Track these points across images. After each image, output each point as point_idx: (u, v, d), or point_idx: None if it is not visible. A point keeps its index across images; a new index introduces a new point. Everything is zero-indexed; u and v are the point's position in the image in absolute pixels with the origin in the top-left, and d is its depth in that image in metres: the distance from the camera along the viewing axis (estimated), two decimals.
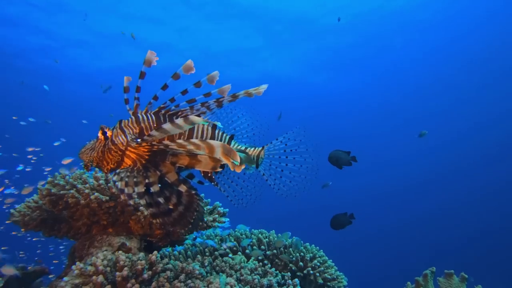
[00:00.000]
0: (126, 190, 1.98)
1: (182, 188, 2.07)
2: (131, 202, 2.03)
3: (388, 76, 27.07)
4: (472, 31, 22.89)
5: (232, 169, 1.83)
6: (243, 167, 1.85)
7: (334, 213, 5.15)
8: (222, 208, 3.55)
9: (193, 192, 2.17)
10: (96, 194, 3.04)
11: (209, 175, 2.40)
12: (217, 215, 3.47)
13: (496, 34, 22.83)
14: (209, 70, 1.89)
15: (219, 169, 1.97)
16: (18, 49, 20.34)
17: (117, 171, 2.09)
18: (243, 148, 2.50)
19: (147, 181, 2.04)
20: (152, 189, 2.04)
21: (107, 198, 3.09)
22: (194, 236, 4.00)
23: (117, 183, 2.01)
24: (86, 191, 3.06)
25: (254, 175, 2.53)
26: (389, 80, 27.66)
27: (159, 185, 2.06)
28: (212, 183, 2.40)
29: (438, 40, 23.69)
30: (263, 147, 2.53)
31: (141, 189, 2.01)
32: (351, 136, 32.15)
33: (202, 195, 3.66)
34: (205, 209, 3.57)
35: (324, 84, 27.23)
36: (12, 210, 3.15)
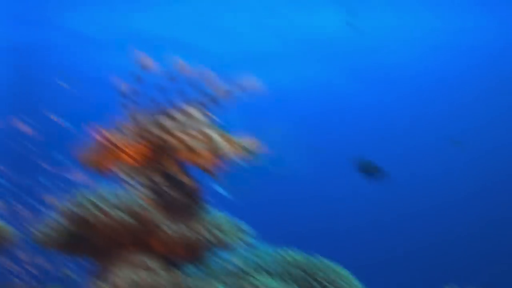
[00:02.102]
0: (126, 179, 2.05)
1: (184, 178, 2.14)
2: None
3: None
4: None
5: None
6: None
7: (365, 230, 4.99)
8: (245, 226, 3.46)
9: (196, 183, 2.22)
10: (118, 212, 3.01)
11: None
12: (240, 233, 3.38)
13: None
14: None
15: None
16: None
17: (117, 163, 2.16)
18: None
19: (147, 172, 2.12)
20: (153, 179, 2.11)
21: (129, 216, 3.06)
22: (225, 257, 3.93)
23: (119, 174, 2.09)
24: (108, 209, 3.04)
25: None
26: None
27: (161, 178, 2.14)
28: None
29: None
30: None
31: (141, 179, 2.08)
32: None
33: (225, 213, 3.58)
34: (229, 228, 3.48)
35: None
36: (33, 230, 3.17)
